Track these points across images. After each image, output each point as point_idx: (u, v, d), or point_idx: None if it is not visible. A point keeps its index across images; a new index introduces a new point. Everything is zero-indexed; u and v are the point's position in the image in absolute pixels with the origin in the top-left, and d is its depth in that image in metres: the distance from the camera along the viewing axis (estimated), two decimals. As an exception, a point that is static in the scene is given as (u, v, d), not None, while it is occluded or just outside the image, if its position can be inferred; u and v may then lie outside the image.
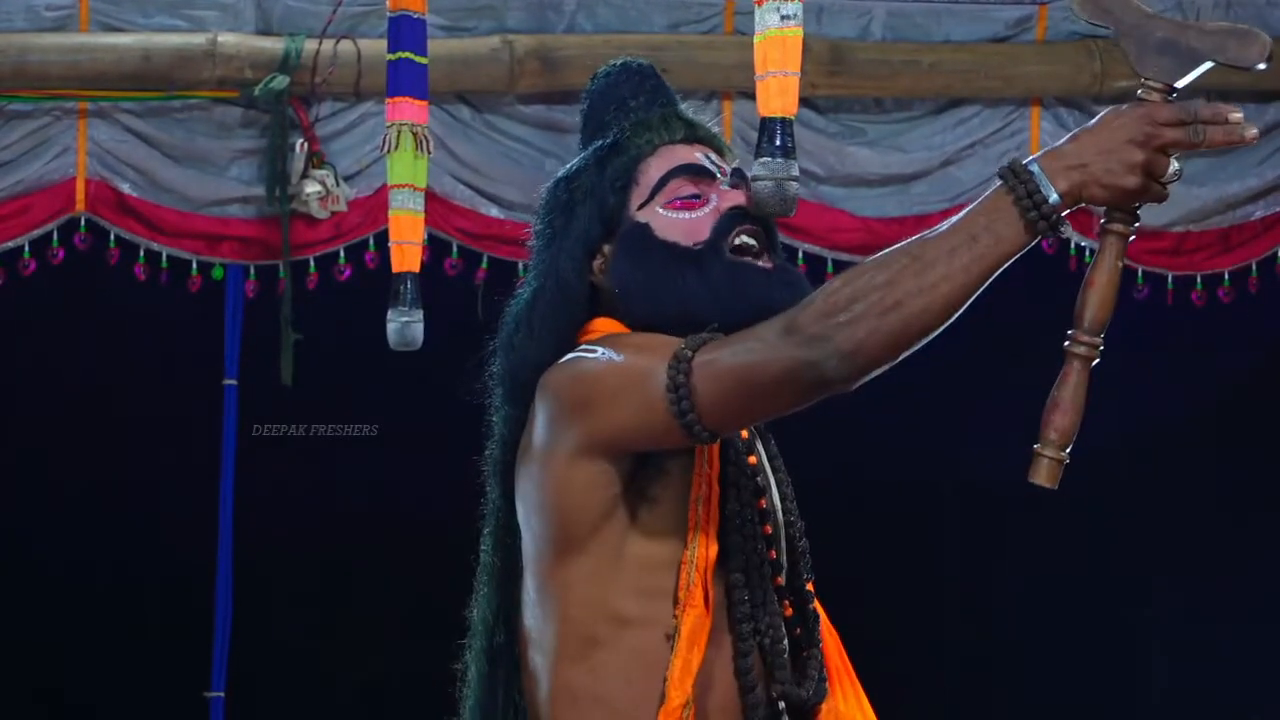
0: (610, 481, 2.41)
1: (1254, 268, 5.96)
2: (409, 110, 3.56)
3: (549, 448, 2.43)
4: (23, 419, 5.87)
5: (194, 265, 5.50)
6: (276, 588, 5.91)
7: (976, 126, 5.82)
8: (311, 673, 6.04)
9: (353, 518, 5.96)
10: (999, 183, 2.26)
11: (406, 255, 3.57)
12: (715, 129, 2.66)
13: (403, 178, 3.57)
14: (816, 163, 5.68)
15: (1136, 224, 2.29)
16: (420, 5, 3.55)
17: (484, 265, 5.57)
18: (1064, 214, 2.24)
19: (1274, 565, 6.23)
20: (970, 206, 2.27)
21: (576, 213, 2.56)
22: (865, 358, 2.25)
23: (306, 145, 5.43)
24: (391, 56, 3.56)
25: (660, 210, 2.53)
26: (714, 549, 2.43)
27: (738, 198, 2.56)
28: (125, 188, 5.45)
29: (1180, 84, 2.26)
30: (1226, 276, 5.94)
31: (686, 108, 2.66)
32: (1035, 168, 2.24)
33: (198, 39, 5.43)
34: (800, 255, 5.60)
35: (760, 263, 2.52)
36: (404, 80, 3.55)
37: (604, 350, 2.42)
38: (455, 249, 5.57)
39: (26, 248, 5.43)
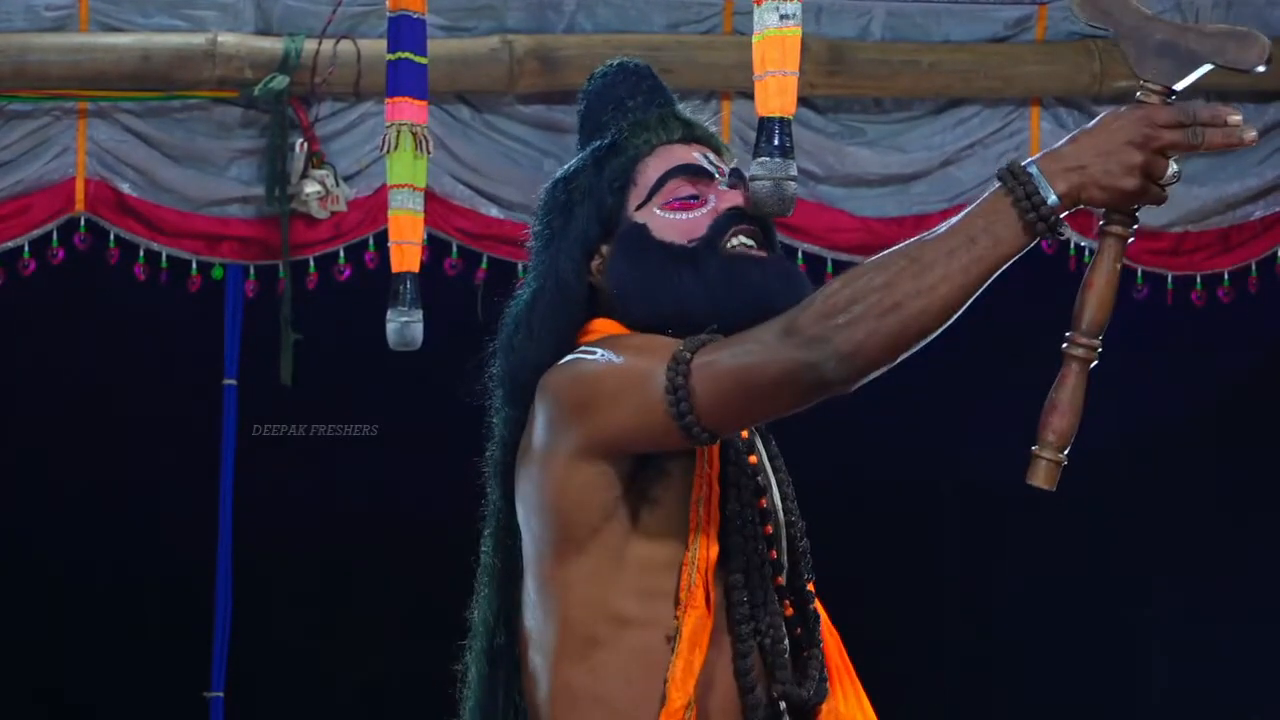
0: (610, 483, 2.41)
1: (1254, 268, 5.96)
2: (409, 110, 3.56)
3: (549, 449, 2.43)
4: (23, 419, 5.86)
5: (194, 265, 5.50)
6: (276, 588, 5.91)
7: (976, 127, 5.82)
8: (311, 673, 6.03)
9: (353, 518, 5.95)
10: (998, 184, 2.26)
11: (406, 255, 3.58)
12: (713, 128, 2.66)
13: (402, 178, 3.58)
14: (816, 163, 5.67)
15: (1135, 226, 2.28)
16: (420, 5, 3.55)
17: (484, 265, 5.57)
18: (1063, 215, 2.24)
19: (1274, 565, 6.22)
20: (969, 208, 2.27)
21: (575, 213, 2.56)
22: (864, 359, 2.25)
23: (306, 145, 5.43)
24: (391, 56, 3.57)
25: (658, 211, 2.53)
26: (715, 549, 2.43)
27: (736, 198, 2.56)
28: (125, 188, 5.45)
29: (1179, 86, 2.26)
30: (1226, 276, 5.94)
31: (684, 107, 2.66)
32: (1034, 169, 2.24)
33: (197, 39, 5.42)
34: (800, 255, 5.60)
35: (755, 252, 2.52)
36: (404, 80, 3.56)
37: (603, 352, 2.42)
38: (455, 249, 5.57)
39: (26, 248, 5.42)
